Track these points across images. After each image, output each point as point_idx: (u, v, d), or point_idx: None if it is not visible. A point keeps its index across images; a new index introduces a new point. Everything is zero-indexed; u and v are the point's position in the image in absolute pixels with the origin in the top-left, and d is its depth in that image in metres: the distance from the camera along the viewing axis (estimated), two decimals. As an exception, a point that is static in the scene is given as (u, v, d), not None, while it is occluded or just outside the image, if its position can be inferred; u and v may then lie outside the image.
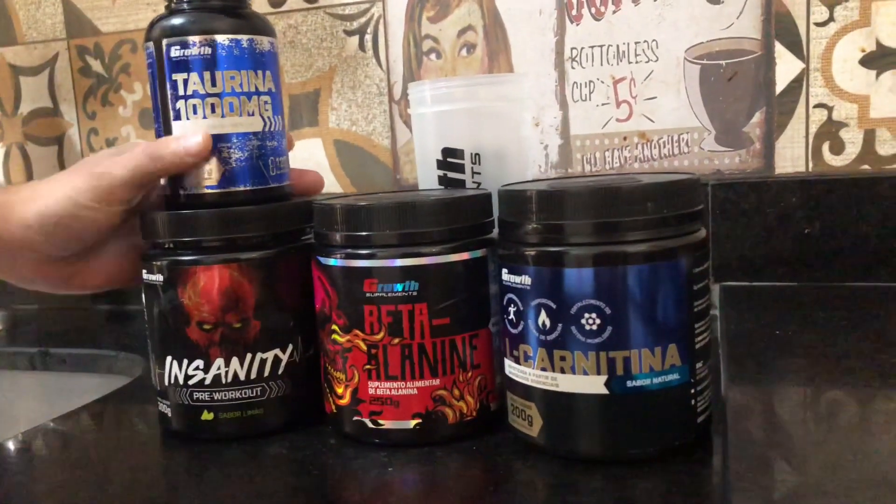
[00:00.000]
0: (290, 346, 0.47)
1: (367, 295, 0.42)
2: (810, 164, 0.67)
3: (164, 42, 0.46)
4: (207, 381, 0.46)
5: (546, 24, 0.72)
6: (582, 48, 0.71)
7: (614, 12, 0.70)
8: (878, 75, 0.64)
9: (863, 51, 0.64)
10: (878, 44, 0.64)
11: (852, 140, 0.65)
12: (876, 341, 0.50)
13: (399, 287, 0.42)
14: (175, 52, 0.46)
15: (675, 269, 0.39)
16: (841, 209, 0.64)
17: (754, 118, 0.68)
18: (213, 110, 0.46)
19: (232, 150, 0.47)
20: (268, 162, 0.48)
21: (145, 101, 0.87)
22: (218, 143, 0.47)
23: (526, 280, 0.40)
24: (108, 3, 0.86)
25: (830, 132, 0.66)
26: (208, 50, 0.46)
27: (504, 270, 0.42)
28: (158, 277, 0.46)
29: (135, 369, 0.67)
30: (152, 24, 0.47)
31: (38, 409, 0.71)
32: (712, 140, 0.69)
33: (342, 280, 0.43)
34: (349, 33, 0.78)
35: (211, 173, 0.47)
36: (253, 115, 0.47)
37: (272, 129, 0.48)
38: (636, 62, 0.70)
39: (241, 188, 0.47)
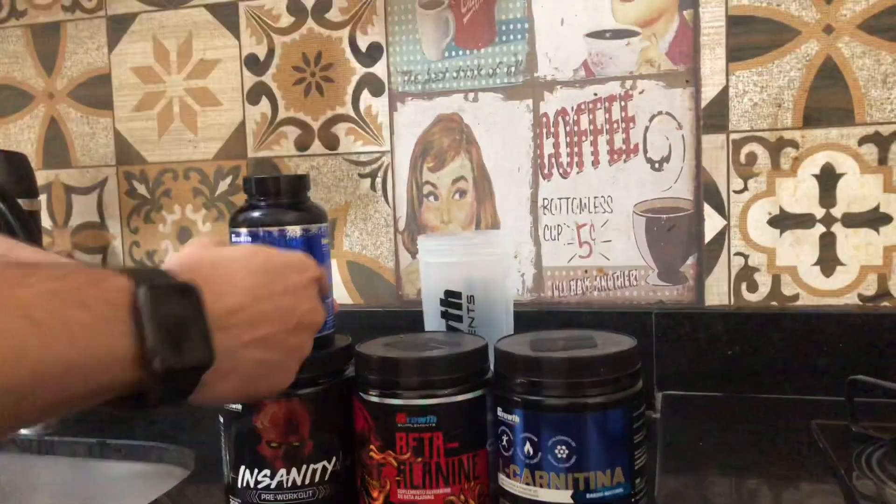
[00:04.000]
0: (335, 458, 0.62)
1: (399, 425, 0.58)
2: (732, 299, 0.84)
3: (230, 231, 0.63)
4: (272, 486, 0.61)
5: (523, 179, 0.89)
6: (552, 199, 0.89)
7: (578, 173, 0.88)
8: (781, 233, 0.83)
9: (770, 213, 0.83)
10: (781, 209, 0.82)
11: (764, 282, 0.83)
12: (773, 453, 0.67)
13: (422, 420, 0.58)
14: (233, 238, 0.62)
15: (622, 413, 0.55)
16: (755, 336, 0.82)
17: (688, 261, 0.85)
18: None
19: None
20: None
21: (183, 221, 1.02)
22: None
23: (515, 419, 0.56)
24: (154, 138, 1.02)
25: (747, 275, 0.84)
26: (250, 239, 0.62)
27: (499, 409, 0.58)
28: (238, 407, 0.61)
29: (185, 461, 0.81)
30: None
31: (102, 495, 0.84)
32: (655, 276, 0.86)
33: (380, 413, 0.59)
34: (362, 176, 0.95)
35: None
36: None
37: None
38: (595, 212, 0.87)
39: None
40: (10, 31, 1.06)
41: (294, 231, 0.62)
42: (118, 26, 1.02)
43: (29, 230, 0.87)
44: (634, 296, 0.87)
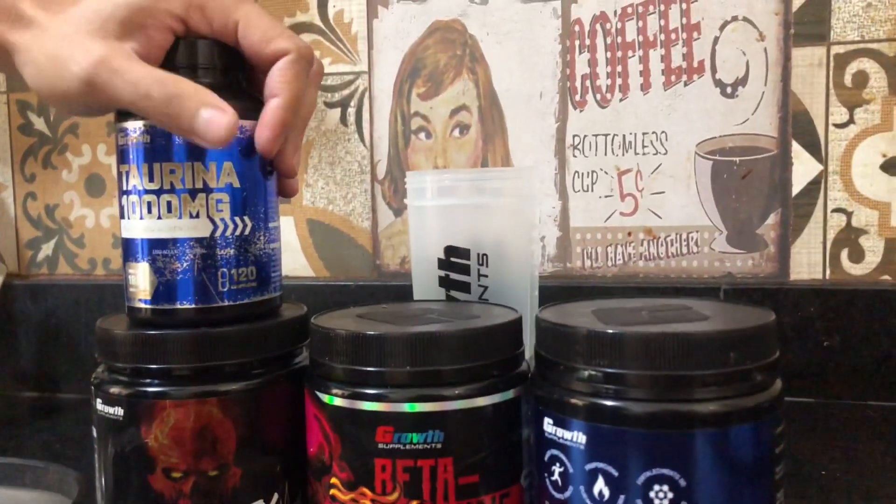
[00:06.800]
0: (276, 496, 0.39)
1: (381, 446, 0.35)
2: (828, 272, 0.63)
3: (115, 127, 0.39)
4: (172, 542, 0.37)
5: (547, 109, 0.67)
6: (585, 136, 0.66)
7: (621, 100, 0.65)
8: (899, 182, 0.61)
9: (884, 156, 0.61)
10: (900, 149, 0.61)
11: (872, 248, 0.62)
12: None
13: (420, 438, 0.35)
14: (120, 139, 0.39)
15: (758, 430, 0.33)
16: (861, 321, 0.60)
17: (769, 220, 0.63)
18: (149, 210, 0.39)
19: (166, 258, 0.39)
20: (213, 276, 0.39)
21: (94, 166, 0.78)
22: (154, 250, 0.39)
23: (579, 437, 0.33)
24: (56, 57, 0.78)
25: (849, 239, 0.62)
26: (147, 137, 0.38)
27: (547, 420, 0.35)
28: (117, 411, 0.38)
29: (67, 486, 0.57)
30: None
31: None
32: (723, 240, 0.64)
33: (349, 425, 0.36)
34: (330, 105, 0.71)
35: (143, 285, 0.39)
36: (197, 217, 0.39)
37: (228, 234, 0.39)
38: (643, 154, 0.65)
39: (180, 306, 0.39)
40: None
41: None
42: None
43: None
44: (695, 266, 0.65)
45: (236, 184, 0.39)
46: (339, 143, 0.72)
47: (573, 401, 0.34)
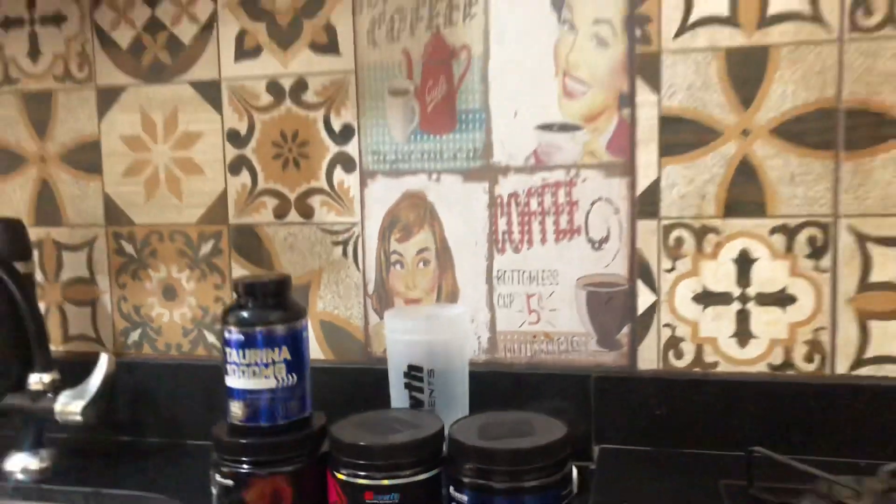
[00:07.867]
0: (312, 527, 0.72)
1: (367, 501, 0.68)
2: (661, 364, 0.96)
3: (222, 327, 0.73)
4: (258, 550, 0.71)
5: (480, 252, 1.00)
6: (505, 271, 0.99)
7: (528, 248, 0.98)
8: (703, 308, 0.94)
9: (694, 291, 0.94)
10: (704, 287, 0.94)
11: (689, 350, 0.95)
12: (685, 513, 0.78)
13: (387, 497, 0.68)
14: (226, 334, 0.72)
15: (555, 494, 0.66)
16: (681, 398, 0.93)
17: (624, 330, 0.97)
18: (243, 374, 0.72)
19: (252, 399, 0.72)
20: (277, 407, 0.73)
21: (168, 279, 1.11)
22: (246, 395, 0.72)
23: (464, 498, 0.67)
24: (141, 202, 1.10)
25: (674, 344, 0.95)
26: (241, 336, 0.71)
27: (451, 487, 0.68)
28: (228, 482, 0.71)
29: (176, 511, 0.91)
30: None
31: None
32: (595, 343, 0.97)
33: (350, 490, 0.69)
34: (335, 244, 1.04)
35: (239, 413, 0.72)
36: (269, 377, 0.72)
37: (285, 385, 0.73)
38: (543, 284, 0.98)
39: (260, 424, 0.72)
40: (4, 97, 1.13)
41: (280, 329, 0.72)
42: (107, 97, 1.10)
43: (26, 292, 0.95)
44: (576, 359, 0.98)
45: (289, 357, 0.72)
46: (341, 269, 1.05)
47: (462, 479, 0.67)
